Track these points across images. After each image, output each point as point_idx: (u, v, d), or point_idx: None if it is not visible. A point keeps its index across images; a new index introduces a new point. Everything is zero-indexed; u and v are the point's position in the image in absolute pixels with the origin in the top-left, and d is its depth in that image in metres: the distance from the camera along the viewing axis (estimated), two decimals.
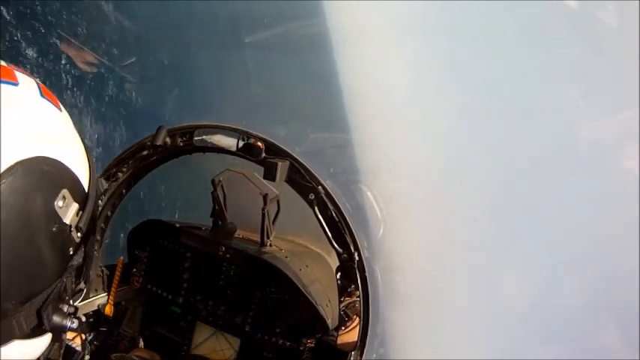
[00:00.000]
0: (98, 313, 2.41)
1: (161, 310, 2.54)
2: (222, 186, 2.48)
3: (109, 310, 2.37)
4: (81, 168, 1.12)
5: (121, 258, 2.47)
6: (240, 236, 2.63)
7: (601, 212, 2.12)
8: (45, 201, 1.00)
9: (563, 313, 2.18)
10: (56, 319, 1.10)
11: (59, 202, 1.02)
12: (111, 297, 2.38)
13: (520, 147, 2.17)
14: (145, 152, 2.38)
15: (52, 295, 1.05)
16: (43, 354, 1.17)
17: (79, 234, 1.08)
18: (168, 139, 2.36)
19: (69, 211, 1.05)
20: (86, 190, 1.13)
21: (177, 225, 2.49)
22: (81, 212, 1.09)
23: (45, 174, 1.00)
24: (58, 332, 1.14)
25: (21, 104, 1.02)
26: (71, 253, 1.09)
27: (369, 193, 2.27)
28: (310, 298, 2.26)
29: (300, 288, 2.27)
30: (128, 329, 2.57)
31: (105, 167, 2.49)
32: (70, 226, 1.06)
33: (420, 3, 2.39)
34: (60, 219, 1.03)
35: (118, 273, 2.42)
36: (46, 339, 1.15)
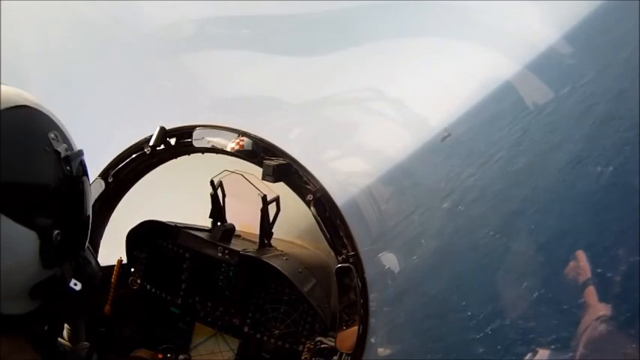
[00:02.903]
0: (97, 314, 2.41)
1: (160, 311, 2.54)
2: (221, 186, 2.48)
3: (107, 311, 2.37)
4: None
5: (120, 258, 2.46)
6: (240, 237, 2.62)
7: None
8: (41, 130, 1.25)
9: None
10: (44, 220, 1.20)
11: (51, 135, 1.26)
12: (110, 297, 2.38)
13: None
14: (143, 152, 2.39)
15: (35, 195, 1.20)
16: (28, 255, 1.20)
17: (67, 167, 1.27)
18: (169, 140, 2.37)
19: (60, 146, 1.27)
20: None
21: (176, 226, 2.48)
22: (69, 151, 1.29)
23: (38, 115, 1.27)
24: (44, 234, 1.21)
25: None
26: (60, 177, 1.26)
27: (367, 194, 2.27)
28: (309, 299, 2.26)
29: (299, 289, 2.26)
30: (127, 330, 2.57)
31: (104, 167, 2.49)
32: (60, 154, 1.26)
33: None
34: (52, 145, 1.25)
35: (116, 273, 2.42)
36: (30, 235, 1.19)
